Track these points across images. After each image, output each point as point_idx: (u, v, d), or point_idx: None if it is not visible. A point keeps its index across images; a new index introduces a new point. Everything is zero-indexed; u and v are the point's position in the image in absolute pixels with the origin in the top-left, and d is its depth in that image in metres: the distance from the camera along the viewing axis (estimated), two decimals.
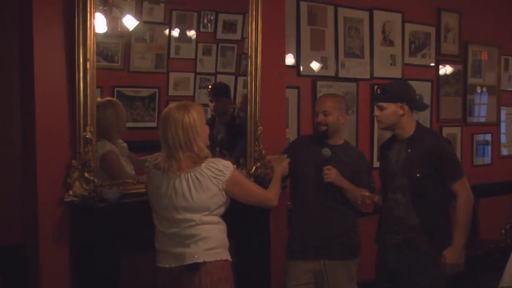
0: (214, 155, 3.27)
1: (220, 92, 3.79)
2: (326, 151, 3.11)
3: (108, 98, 3.21)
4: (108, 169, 3.10)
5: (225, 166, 2.56)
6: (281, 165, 3.04)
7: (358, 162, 3.27)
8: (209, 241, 2.54)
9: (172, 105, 2.62)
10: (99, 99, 3.07)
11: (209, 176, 2.52)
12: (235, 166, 2.63)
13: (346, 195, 3.15)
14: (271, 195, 2.85)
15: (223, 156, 3.35)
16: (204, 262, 2.51)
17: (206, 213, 2.55)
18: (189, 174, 2.51)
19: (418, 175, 2.95)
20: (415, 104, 3.09)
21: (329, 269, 3.19)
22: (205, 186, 2.51)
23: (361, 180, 3.19)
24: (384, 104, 3.01)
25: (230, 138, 3.69)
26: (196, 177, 2.51)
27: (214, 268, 2.53)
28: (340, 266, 3.21)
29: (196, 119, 2.53)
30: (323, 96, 3.54)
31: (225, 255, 2.59)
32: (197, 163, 2.52)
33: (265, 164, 3.27)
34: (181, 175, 2.52)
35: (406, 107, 3.01)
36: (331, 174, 3.09)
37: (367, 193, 3.00)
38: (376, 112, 3.07)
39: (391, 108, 3.00)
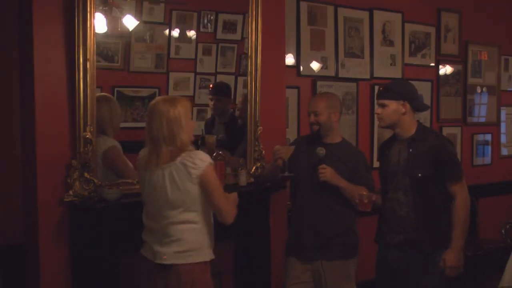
0: (213, 154, 3.29)
1: (220, 92, 3.79)
2: (321, 150, 3.12)
3: (103, 93, 3.18)
4: (112, 165, 3.10)
5: (201, 160, 2.49)
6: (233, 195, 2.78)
7: (356, 159, 3.27)
8: (182, 244, 2.52)
9: (159, 98, 2.64)
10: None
11: (183, 170, 2.48)
12: (212, 163, 2.55)
13: (344, 193, 3.15)
14: (229, 210, 2.60)
15: (222, 155, 3.35)
16: (172, 265, 2.51)
17: (181, 209, 2.52)
18: (166, 168, 2.50)
19: (420, 174, 2.95)
20: (416, 104, 3.09)
21: (327, 269, 3.20)
22: (179, 181, 2.49)
23: (359, 178, 3.20)
24: (386, 102, 3.01)
25: (230, 138, 3.69)
26: (171, 172, 2.49)
27: (183, 271, 2.51)
28: (338, 266, 3.21)
29: (181, 112, 2.52)
30: (315, 96, 3.57)
31: (199, 257, 2.55)
32: (174, 157, 2.50)
33: (274, 153, 3.23)
34: (159, 170, 2.52)
35: (408, 106, 3.01)
36: (326, 173, 3.10)
37: (364, 193, 2.99)
38: (378, 110, 3.06)
39: (393, 106, 3.00)
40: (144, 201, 2.66)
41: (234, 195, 2.74)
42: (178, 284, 2.51)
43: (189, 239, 2.53)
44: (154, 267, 2.57)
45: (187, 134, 2.55)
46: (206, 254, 2.59)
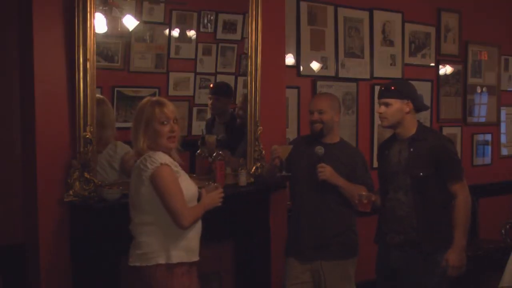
0: (219, 149, 3.26)
1: (220, 91, 3.79)
2: (320, 149, 3.13)
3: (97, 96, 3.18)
4: (129, 170, 3.09)
5: (152, 161, 2.43)
6: (211, 195, 2.64)
7: (354, 159, 3.28)
8: (141, 246, 2.50)
9: (149, 98, 2.64)
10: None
11: (137, 173, 2.48)
12: (169, 163, 2.47)
13: (343, 193, 3.15)
14: (185, 213, 2.46)
15: (222, 155, 3.35)
16: (135, 266, 2.51)
17: (139, 211, 2.51)
18: (132, 171, 2.53)
19: (421, 174, 2.95)
20: (418, 104, 3.09)
21: (326, 269, 3.20)
22: (135, 183, 2.50)
23: (358, 178, 3.20)
24: (390, 101, 3.00)
25: (229, 138, 3.69)
26: (132, 175, 2.53)
27: (145, 273, 2.48)
28: (337, 266, 3.21)
29: (155, 117, 2.49)
30: (318, 95, 3.58)
31: (160, 259, 2.47)
32: (137, 158, 2.52)
33: (271, 152, 3.23)
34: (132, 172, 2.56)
35: (411, 105, 3.01)
36: (325, 171, 3.10)
37: (364, 193, 2.99)
38: (381, 109, 3.04)
39: (397, 105, 2.99)
40: None
41: (212, 197, 2.61)
42: (141, 286, 2.50)
43: (146, 241, 2.49)
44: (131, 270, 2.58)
45: (154, 139, 2.50)
46: (171, 256, 2.48)
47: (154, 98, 2.62)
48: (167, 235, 2.49)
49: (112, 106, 3.25)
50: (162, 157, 2.47)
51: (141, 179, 2.45)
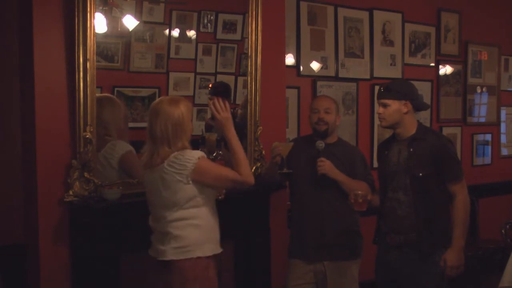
0: (219, 149, 3.28)
1: (220, 91, 3.78)
2: (320, 143, 3.16)
3: (106, 95, 3.20)
4: (129, 169, 3.14)
5: (188, 159, 2.48)
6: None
7: (352, 156, 3.30)
8: (179, 240, 2.52)
9: (163, 98, 2.64)
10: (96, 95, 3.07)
11: (171, 172, 2.48)
12: (202, 155, 2.53)
13: (343, 189, 3.15)
14: (243, 177, 2.58)
15: (222, 155, 3.36)
16: (172, 261, 2.52)
17: (175, 208, 2.52)
18: (159, 170, 2.51)
19: (421, 174, 2.95)
20: (417, 103, 3.09)
21: (330, 270, 3.20)
22: (167, 183, 2.50)
23: (358, 174, 3.22)
24: (388, 101, 3.01)
25: None
26: (161, 174, 2.51)
27: (184, 267, 2.51)
28: (341, 267, 3.21)
29: (184, 115, 2.54)
30: (322, 96, 3.58)
31: (199, 252, 2.53)
32: (164, 159, 2.50)
33: (272, 149, 3.23)
34: (155, 171, 2.54)
35: (410, 105, 3.01)
36: (325, 165, 3.12)
37: (359, 192, 2.99)
38: (379, 110, 3.06)
39: (395, 106, 3.00)
40: (148, 202, 2.67)
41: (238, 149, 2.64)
42: (180, 280, 2.51)
43: (186, 235, 2.53)
44: (158, 266, 2.59)
45: (187, 137, 2.56)
46: (206, 249, 2.56)
47: (175, 97, 2.65)
48: (202, 228, 2.56)
49: (120, 105, 3.25)
50: (193, 152, 2.52)
51: (178, 178, 2.47)
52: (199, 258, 2.53)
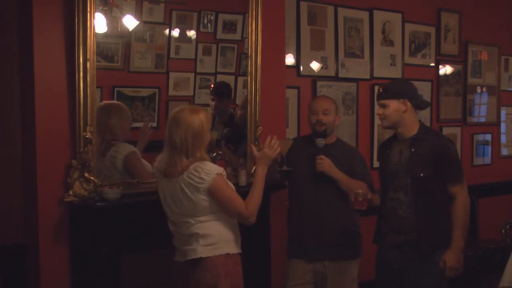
0: (219, 149, 3.29)
1: (222, 92, 3.79)
2: (320, 141, 3.18)
3: (113, 102, 3.26)
4: (132, 169, 3.16)
5: (207, 173, 2.50)
6: (263, 153, 2.81)
7: (351, 156, 3.30)
8: (208, 238, 2.56)
9: (185, 107, 2.63)
10: (104, 102, 3.16)
11: (190, 184, 2.51)
12: (222, 172, 2.56)
13: (341, 187, 3.15)
14: (249, 211, 2.61)
15: (222, 155, 3.36)
16: (201, 258, 2.54)
17: (201, 214, 2.56)
18: (179, 180, 2.52)
19: (422, 174, 2.94)
20: (416, 101, 3.09)
21: (330, 270, 3.20)
22: (190, 193, 2.52)
23: (357, 175, 3.22)
24: (386, 102, 3.01)
25: (229, 137, 3.68)
26: (181, 185, 2.52)
27: (214, 263, 2.54)
28: (341, 267, 3.21)
29: (204, 125, 2.56)
30: (321, 96, 3.59)
31: (227, 249, 2.59)
32: (185, 168, 2.52)
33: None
34: (175, 180, 2.54)
35: (409, 104, 3.01)
36: (324, 163, 3.13)
37: (360, 191, 2.99)
38: (379, 110, 3.06)
39: (394, 105, 3.00)
40: (165, 209, 2.67)
41: (264, 153, 2.80)
42: (212, 277, 2.53)
43: (214, 233, 2.58)
44: (186, 267, 2.60)
45: (206, 146, 2.59)
46: (233, 247, 2.63)
47: (195, 107, 2.69)
48: (227, 226, 2.62)
49: (128, 112, 3.27)
50: (213, 167, 2.54)
51: (197, 190, 2.51)
52: (228, 254, 2.59)
